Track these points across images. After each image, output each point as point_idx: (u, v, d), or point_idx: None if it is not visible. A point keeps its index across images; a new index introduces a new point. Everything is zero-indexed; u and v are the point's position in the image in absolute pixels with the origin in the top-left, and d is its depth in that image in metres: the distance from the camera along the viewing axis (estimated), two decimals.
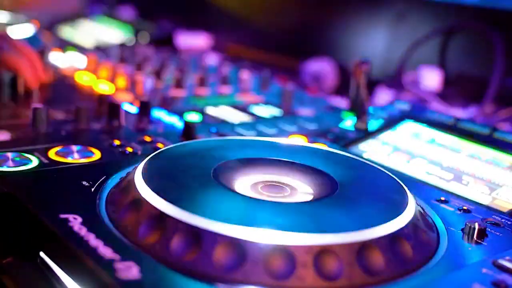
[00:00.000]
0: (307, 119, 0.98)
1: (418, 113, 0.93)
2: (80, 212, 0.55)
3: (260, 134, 0.88)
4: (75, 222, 0.53)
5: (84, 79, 1.11)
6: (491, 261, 0.55)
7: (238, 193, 0.58)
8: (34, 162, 0.67)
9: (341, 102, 1.18)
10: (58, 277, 0.52)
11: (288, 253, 0.49)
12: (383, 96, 1.26)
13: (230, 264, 0.48)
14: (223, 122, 0.93)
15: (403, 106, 0.96)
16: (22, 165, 0.65)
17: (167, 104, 0.99)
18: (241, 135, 0.87)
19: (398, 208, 0.57)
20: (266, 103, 1.08)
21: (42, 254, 0.55)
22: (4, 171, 0.64)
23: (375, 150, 0.84)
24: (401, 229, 0.54)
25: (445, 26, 1.32)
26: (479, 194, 0.72)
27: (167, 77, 1.16)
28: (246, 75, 1.20)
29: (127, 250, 0.50)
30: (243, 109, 1.02)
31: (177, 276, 0.48)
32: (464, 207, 0.67)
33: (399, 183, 0.64)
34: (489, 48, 1.23)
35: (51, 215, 0.54)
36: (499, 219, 0.65)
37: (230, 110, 1.01)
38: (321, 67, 1.39)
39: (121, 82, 1.09)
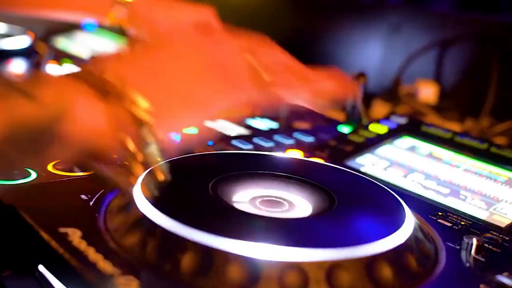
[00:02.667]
0: (304, 132, 0.99)
1: (415, 127, 0.94)
2: (79, 226, 0.55)
3: (257, 147, 0.88)
4: (74, 236, 0.53)
5: None
6: (489, 277, 0.55)
7: (239, 209, 0.58)
8: (33, 175, 0.67)
9: (338, 115, 1.18)
10: None
11: (300, 270, 0.49)
12: (379, 109, 1.26)
13: (242, 284, 0.48)
14: (220, 135, 0.93)
15: (400, 120, 0.97)
16: (21, 178, 0.65)
17: None
18: (238, 148, 0.87)
19: (396, 223, 0.57)
20: (262, 116, 1.08)
21: (41, 267, 0.55)
22: (3, 184, 0.64)
23: (372, 164, 0.84)
24: (398, 246, 0.54)
25: (441, 38, 1.32)
26: (477, 209, 0.72)
27: None
28: None
29: (127, 265, 0.50)
30: (240, 122, 1.02)
31: None
32: (462, 222, 0.67)
33: (396, 197, 0.65)
34: (485, 61, 1.24)
35: (50, 229, 0.54)
36: (497, 234, 0.65)
37: (227, 123, 1.01)
38: None
39: None
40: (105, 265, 0.49)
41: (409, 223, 0.58)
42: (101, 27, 1.71)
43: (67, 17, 1.28)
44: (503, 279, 0.54)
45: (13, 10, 1.22)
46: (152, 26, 1.25)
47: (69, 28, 1.71)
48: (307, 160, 0.78)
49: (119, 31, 1.65)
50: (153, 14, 1.25)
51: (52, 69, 1.25)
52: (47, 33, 1.66)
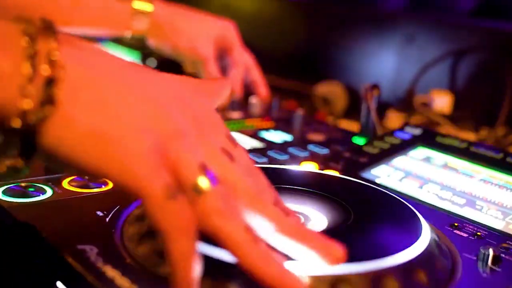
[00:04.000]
0: (318, 144, 0.99)
1: (429, 137, 0.93)
2: (96, 242, 0.55)
3: (272, 160, 0.88)
4: (92, 252, 0.54)
5: None
6: (506, 287, 0.55)
7: None
8: (48, 192, 0.67)
9: (351, 126, 1.18)
10: None
11: (316, 283, 0.49)
12: (393, 120, 1.26)
13: None
14: None
15: (415, 130, 0.96)
16: (37, 196, 0.66)
17: None
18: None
19: (412, 237, 0.57)
20: (276, 128, 1.09)
21: (59, 284, 0.55)
22: (19, 202, 0.64)
23: (387, 176, 0.84)
24: (415, 258, 0.54)
25: (455, 48, 1.32)
26: (493, 219, 0.72)
27: None
28: (255, 100, 1.21)
29: (145, 281, 0.50)
30: (254, 134, 1.03)
31: None
32: (478, 233, 0.67)
33: (411, 209, 0.65)
34: (500, 70, 1.23)
35: (67, 246, 0.55)
36: None
37: (241, 136, 1.01)
38: (331, 91, 1.39)
39: None
40: (122, 282, 0.49)
41: (426, 235, 0.58)
42: (115, 40, 1.72)
43: (87, 32, 1.29)
44: None
45: None
46: (173, 37, 1.26)
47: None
48: (321, 173, 0.78)
49: (133, 44, 1.66)
50: (174, 25, 1.25)
51: None
52: None
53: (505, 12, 1.35)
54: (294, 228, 0.48)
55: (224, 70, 1.32)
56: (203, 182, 0.46)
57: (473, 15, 1.39)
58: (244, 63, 1.31)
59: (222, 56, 1.33)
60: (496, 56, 1.27)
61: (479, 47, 1.30)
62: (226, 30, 1.31)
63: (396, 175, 0.84)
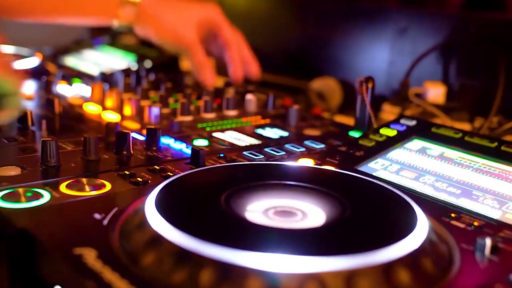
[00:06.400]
0: (314, 139, 0.99)
1: (424, 128, 0.94)
2: (94, 245, 0.55)
3: (268, 157, 0.88)
4: (90, 256, 0.54)
5: (91, 109, 1.12)
6: (504, 277, 0.55)
7: (253, 222, 0.59)
8: (46, 197, 0.67)
9: (347, 121, 1.18)
10: None
11: (319, 280, 0.49)
12: (388, 112, 1.26)
13: None
14: (231, 146, 0.94)
15: (410, 122, 0.97)
16: (34, 201, 0.66)
17: (174, 131, 0.99)
18: (250, 159, 0.87)
19: (409, 229, 0.57)
20: (272, 125, 1.09)
21: None
22: (17, 208, 0.64)
23: (384, 168, 0.84)
24: (412, 250, 0.54)
25: (448, 39, 1.32)
26: (489, 209, 0.72)
27: (173, 103, 1.17)
28: (251, 97, 1.21)
29: (143, 283, 0.50)
30: (250, 132, 1.03)
31: None
32: (475, 223, 0.67)
33: (408, 201, 0.65)
34: (493, 60, 1.23)
35: (66, 250, 0.55)
36: (511, 233, 0.65)
37: (237, 133, 1.01)
38: (326, 86, 1.40)
39: (128, 110, 1.09)
40: (121, 285, 0.49)
41: (423, 227, 0.58)
42: (110, 44, 1.73)
43: (77, 21, 1.30)
44: None
45: (24, 18, 1.24)
46: (159, 25, 1.28)
47: (77, 47, 1.72)
48: (318, 168, 0.79)
49: (128, 46, 1.66)
50: (160, 13, 1.27)
51: (63, 89, 1.25)
52: (56, 53, 1.68)
53: (495, 4, 1.35)
54: None
55: (210, 54, 1.32)
56: None
57: (464, 8, 1.40)
58: (236, 42, 1.32)
59: (211, 39, 1.33)
60: (488, 46, 1.27)
61: (471, 38, 1.30)
62: (209, 12, 1.32)
63: (392, 167, 0.84)
